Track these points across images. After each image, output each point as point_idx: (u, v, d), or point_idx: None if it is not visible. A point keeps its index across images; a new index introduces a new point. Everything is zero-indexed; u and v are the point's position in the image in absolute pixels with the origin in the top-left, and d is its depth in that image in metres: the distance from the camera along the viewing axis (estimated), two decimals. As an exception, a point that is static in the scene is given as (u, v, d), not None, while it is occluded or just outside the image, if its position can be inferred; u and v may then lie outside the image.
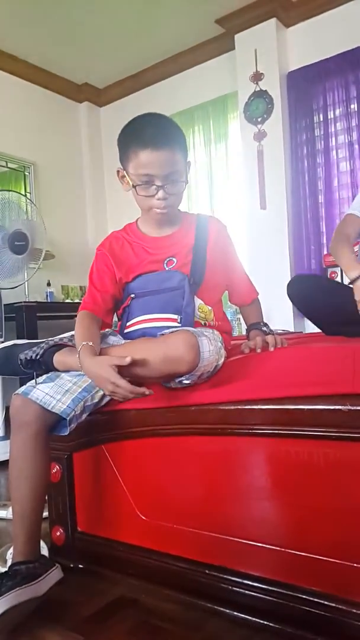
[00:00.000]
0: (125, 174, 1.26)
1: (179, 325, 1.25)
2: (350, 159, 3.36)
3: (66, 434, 1.18)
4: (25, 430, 1.18)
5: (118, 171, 1.29)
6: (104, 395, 1.23)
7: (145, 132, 1.20)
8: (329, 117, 3.44)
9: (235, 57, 3.70)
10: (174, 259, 1.31)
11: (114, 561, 1.32)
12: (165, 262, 1.32)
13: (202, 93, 4.01)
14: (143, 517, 1.25)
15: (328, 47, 3.37)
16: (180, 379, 1.12)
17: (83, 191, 4.61)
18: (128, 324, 1.33)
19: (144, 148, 1.19)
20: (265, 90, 3.55)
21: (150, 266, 1.32)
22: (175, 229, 1.35)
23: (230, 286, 1.48)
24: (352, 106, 3.34)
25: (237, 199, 3.86)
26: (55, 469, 1.42)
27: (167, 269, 1.32)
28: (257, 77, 3.59)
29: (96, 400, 1.22)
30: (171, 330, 1.15)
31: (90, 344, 1.16)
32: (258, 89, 3.59)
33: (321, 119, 3.47)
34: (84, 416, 1.22)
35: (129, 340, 1.28)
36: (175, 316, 1.27)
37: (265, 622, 1.05)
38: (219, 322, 1.37)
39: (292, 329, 3.26)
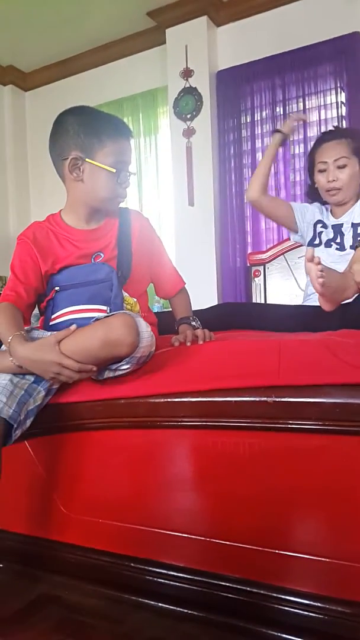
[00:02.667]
0: (85, 163, 1.24)
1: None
2: (275, 161, 3.45)
3: (10, 443, 1.08)
4: None
5: (73, 159, 1.24)
6: (45, 396, 1.15)
7: (118, 122, 1.27)
8: (255, 119, 3.52)
9: (166, 52, 3.70)
10: (101, 254, 1.30)
11: (35, 558, 1.28)
12: (93, 256, 1.31)
13: (131, 85, 3.97)
14: (67, 512, 1.22)
15: (257, 50, 3.44)
16: (119, 364, 1.09)
17: (5, 178, 4.41)
18: (54, 316, 1.29)
19: (121, 136, 1.25)
20: (195, 88, 3.58)
21: (78, 260, 1.30)
22: (101, 223, 1.35)
23: (156, 279, 1.49)
24: (277, 109, 3.44)
25: (166, 194, 3.87)
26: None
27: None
28: (187, 73, 3.61)
29: (38, 402, 1.13)
30: (105, 316, 1.13)
31: (22, 332, 1.11)
32: (188, 85, 3.61)
33: (248, 120, 3.54)
34: (28, 422, 1.11)
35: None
36: (104, 307, 1.25)
37: (190, 612, 1.06)
38: (145, 313, 1.37)
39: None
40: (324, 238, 1.80)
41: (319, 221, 1.84)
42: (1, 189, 4.38)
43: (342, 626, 0.94)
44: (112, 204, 1.33)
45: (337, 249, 1.76)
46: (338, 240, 1.76)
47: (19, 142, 4.46)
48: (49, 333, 1.23)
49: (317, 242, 1.82)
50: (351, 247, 1.71)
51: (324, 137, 1.80)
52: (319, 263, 1.25)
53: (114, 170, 1.25)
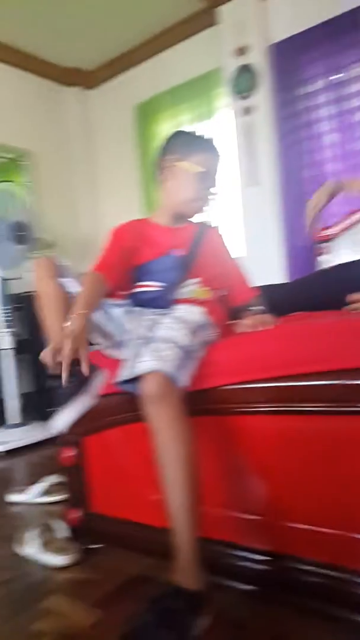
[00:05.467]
0: (177, 165, 1.45)
1: (159, 290, 1.41)
2: (336, 130, 3.34)
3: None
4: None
5: (164, 160, 1.48)
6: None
7: (212, 142, 1.51)
8: (313, 89, 3.40)
9: (218, 32, 3.65)
10: (176, 249, 1.46)
11: (128, 541, 1.37)
12: (170, 250, 1.47)
13: (187, 70, 3.95)
14: (157, 498, 1.30)
15: (310, 17, 3.31)
16: None
17: (77, 177, 4.56)
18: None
19: (211, 152, 1.48)
20: (250, 64, 3.51)
21: (158, 252, 1.46)
22: (184, 225, 1.54)
23: (229, 289, 1.60)
24: (335, 76, 3.30)
25: (228, 176, 3.84)
26: (69, 453, 1.46)
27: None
28: (241, 51, 3.54)
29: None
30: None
31: (85, 312, 1.21)
32: (243, 63, 3.54)
33: (307, 91, 3.43)
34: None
35: None
36: (160, 284, 1.42)
37: (275, 594, 1.11)
38: (214, 304, 1.46)
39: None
40: None
41: None
42: (73, 189, 4.53)
43: None
44: (192, 207, 1.51)
45: None
46: None
47: (87, 142, 4.58)
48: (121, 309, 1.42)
49: None
50: None
51: None
52: None
53: (204, 169, 1.44)
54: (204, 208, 1.52)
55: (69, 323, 1.17)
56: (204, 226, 1.57)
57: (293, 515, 1.10)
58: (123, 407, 1.32)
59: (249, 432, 1.16)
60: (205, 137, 1.52)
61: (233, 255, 1.64)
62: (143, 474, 1.33)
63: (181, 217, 1.54)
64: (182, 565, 1.03)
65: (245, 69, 3.54)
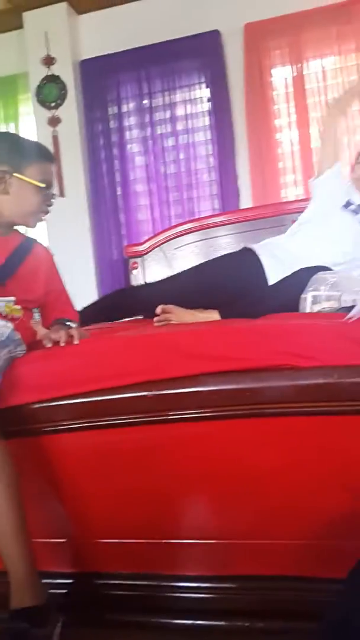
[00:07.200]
0: (13, 177, 1.29)
1: None
2: (145, 154, 3.48)
3: None
4: None
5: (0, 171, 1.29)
6: None
7: (42, 146, 1.39)
8: (122, 111, 3.49)
9: (25, 37, 3.53)
10: None
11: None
12: None
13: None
14: None
15: (121, 41, 3.40)
16: None
17: None
18: None
19: (47, 160, 1.37)
20: (58, 76, 3.46)
21: None
22: (7, 236, 1.39)
23: (50, 308, 1.47)
24: (144, 102, 3.45)
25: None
26: None
27: None
28: (48, 61, 3.47)
29: None
30: None
31: None
32: (50, 73, 3.48)
33: (115, 112, 3.51)
34: None
35: None
36: None
37: (85, 616, 1.05)
38: (27, 324, 1.35)
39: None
40: None
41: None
42: None
43: (231, 600, 1.00)
44: (34, 219, 1.39)
45: None
46: None
47: None
48: None
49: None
50: None
51: None
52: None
53: (43, 185, 1.32)
54: (45, 215, 1.41)
55: None
56: (30, 242, 1.44)
57: (99, 531, 1.07)
58: None
59: (56, 452, 1.09)
60: (35, 141, 1.40)
61: (60, 278, 1.52)
62: None
63: (8, 227, 1.39)
64: (18, 587, 0.98)
65: (53, 80, 3.48)
